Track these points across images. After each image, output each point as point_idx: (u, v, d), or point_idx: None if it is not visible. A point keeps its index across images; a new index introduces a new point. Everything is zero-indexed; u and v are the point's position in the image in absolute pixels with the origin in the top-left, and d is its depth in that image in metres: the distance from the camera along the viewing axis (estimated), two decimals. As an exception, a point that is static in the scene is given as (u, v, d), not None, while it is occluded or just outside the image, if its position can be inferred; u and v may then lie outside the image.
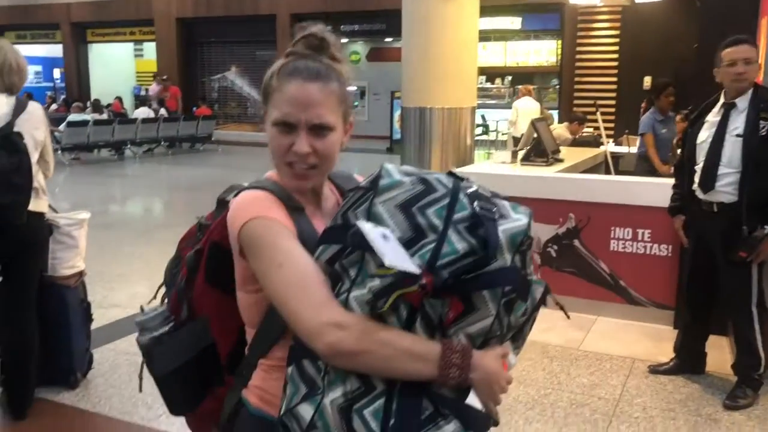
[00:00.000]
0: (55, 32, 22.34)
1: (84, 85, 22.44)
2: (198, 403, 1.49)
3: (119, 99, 18.98)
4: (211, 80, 21.08)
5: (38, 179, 3.16)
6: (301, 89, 1.26)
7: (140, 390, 1.52)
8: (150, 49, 21.67)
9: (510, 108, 15.72)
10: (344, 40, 18.62)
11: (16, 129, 3.00)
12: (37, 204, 3.14)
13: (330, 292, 1.14)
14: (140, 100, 18.56)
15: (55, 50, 22.73)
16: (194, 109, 17.75)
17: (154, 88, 18.12)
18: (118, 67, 22.75)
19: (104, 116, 15.40)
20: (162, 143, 15.57)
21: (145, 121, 15.01)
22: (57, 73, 23.81)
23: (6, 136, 2.95)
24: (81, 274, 3.58)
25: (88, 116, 14.58)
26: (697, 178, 3.50)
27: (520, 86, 12.00)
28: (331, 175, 1.43)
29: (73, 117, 14.02)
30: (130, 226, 8.18)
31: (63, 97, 21.33)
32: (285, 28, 18.51)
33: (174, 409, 1.53)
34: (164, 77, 19.03)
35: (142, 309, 1.53)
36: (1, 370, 3.34)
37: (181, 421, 3.25)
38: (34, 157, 3.10)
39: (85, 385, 3.58)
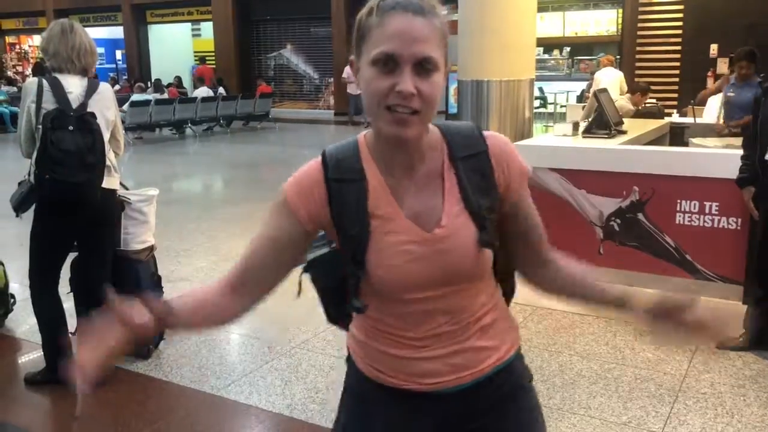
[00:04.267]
0: (116, 14, 22.89)
1: (144, 65, 23.01)
2: (338, 323, 1.50)
3: (178, 80, 19.29)
4: (267, 58, 21.28)
5: (110, 157, 3.28)
6: (406, 22, 1.15)
7: (298, 295, 1.43)
8: (207, 28, 22.00)
9: (569, 80, 15.45)
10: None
11: (89, 109, 3.12)
12: (110, 181, 3.27)
13: (232, 272, 1.32)
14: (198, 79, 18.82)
15: (116, 32, 23.31)
16: (258, 86, 17.85)
17: (348, 71, 17.29)
18: (176, 47, 23.19)
19: (165, 96, 15.75)
20: (221, 122, 15.85)
21: (204, 100, 15.30)
22: (119, 54, 24.42)
23: (80, 117, 3.06)
24: (152, 248, 3.72)
25: (150, 96, 14.95)
26: (770, 149, 3.38)
27: (602, 56, 11.35)
28: (444, 128, 1.30)
29: (135, 97, 14.39)
30: (192, 203, 8.39)
31: (125, 77, 21.89)
32: (339, 4, 18.49)
33: (327, 318, 1.54)
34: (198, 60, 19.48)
35: None
36: (80, 340, 3.51)
37: (249, 390, 3.36)
38: (106, 136, 3.22)
39: (156, 355, 3.72)
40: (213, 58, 21.48)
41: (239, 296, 1.31)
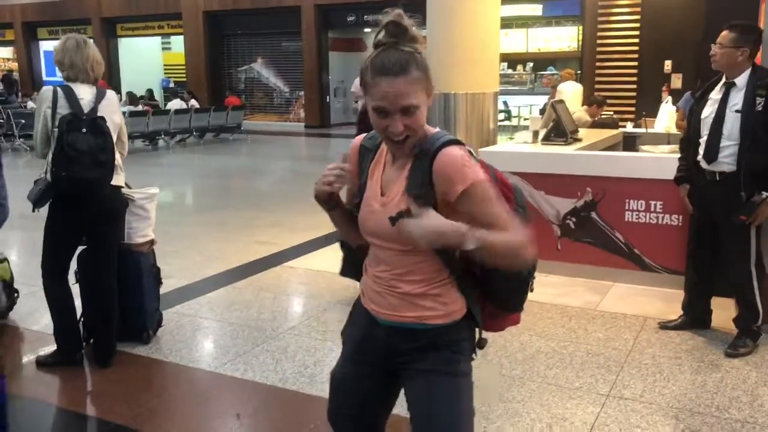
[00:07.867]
0: (86, 27, 22.97)
1: (114, 78, 23.11)
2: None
3: (149, 93, 19.49)
4: (237, 72, 21.60)
5: (116, 157, 3.62)
6: (390, 86, 1.61)
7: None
8: (178, 42, 22.26)
9: (532, 94, 16.09)
10: (368, 30, 19.00)
11: (99, 114, 3.47)
12: (117, 179, 3.61)
13: None
14: (170, 92, 19.07)
15: (87, 45, 23.37)
16: (226, 97, 18.13)
17: (357, 84, 16.45)
18: (146, 60, 23.39)
19: (139, 108, 15.96)
20: (194, 133, 16.13)
21: (177, 112, 15.56)
22: (88, 67, 24.45)
23: (93, 120, 3.42)
24: (152, 242, 4.06)
25: (124, 108, 15.15)
26: (701, 150, 3.87)
27: (562, 72, 11.95)
28: (432, 136, 1.71)
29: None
30: (170, 210, 8.66)
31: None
32: (310, 19, 18.94)
33: None
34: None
35: None
36: (85, 327, 3.83)
37: (244, 368, 3.70)
38: (114, 137, 3.57)
39: (156, 340, 4.05)
40: (183, 71, 21.73)
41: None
